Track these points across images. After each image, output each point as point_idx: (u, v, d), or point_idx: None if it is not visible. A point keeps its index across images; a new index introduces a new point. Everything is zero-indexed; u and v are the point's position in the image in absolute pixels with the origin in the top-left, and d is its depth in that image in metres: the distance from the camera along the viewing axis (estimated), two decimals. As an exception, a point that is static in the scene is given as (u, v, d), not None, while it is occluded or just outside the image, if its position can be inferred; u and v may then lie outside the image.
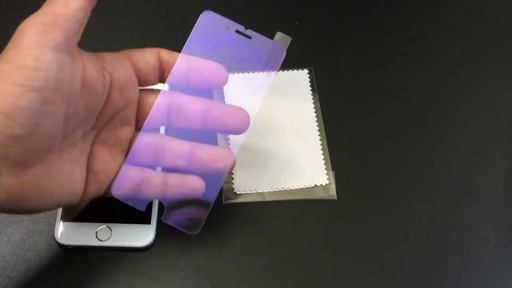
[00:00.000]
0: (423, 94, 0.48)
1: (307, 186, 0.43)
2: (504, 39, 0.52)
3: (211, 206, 0.36)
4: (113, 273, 0.39)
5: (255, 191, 0.43)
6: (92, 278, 0.39)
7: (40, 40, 0.28)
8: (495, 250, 0.41)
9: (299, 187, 0.43)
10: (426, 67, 0.50)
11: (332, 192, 0.43)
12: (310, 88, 0.47)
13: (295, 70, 0.48)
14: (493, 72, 0.50)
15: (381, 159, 0.45)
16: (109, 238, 0.39)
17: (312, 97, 0.47)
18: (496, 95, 0.49)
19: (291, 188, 0.43)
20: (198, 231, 0.35)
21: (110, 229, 0.39)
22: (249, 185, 0.43)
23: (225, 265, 0.40)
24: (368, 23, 0.52)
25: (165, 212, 0.35)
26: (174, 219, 0.35)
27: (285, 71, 0.48)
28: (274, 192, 0.43)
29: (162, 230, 0.39)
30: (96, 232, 0.39)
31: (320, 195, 0.43)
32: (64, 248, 0.39)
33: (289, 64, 0.48)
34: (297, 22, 0.52)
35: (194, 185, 0.35)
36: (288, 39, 0.39)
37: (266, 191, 0.43)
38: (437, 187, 0.44)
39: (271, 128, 0.45)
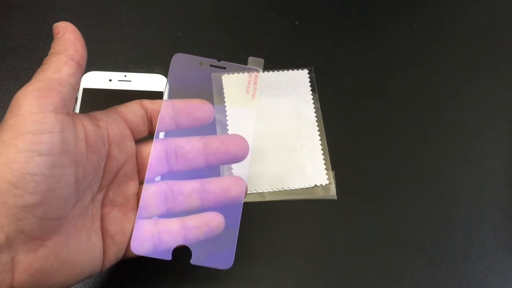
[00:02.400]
0: (423, 94, 0.48)
1: (307, 186, 0.43)
2: (505, 38, 0.52)
3: (237, 236, 0.35)
4: (113, 274, 0.39)
5: (255, 191, 0.43)
6: (92, 279, 0.39)
7: (39, 104, 0.27)
8: (495, 250, 0.41)
9: (299, 187, 0.43)
10: (426, 67, 0.50)
11: (332, 192, 0.43)
12: (310, 88, 0.47)
13: (295, 70, 0.48)
14: (493, 72, 0.50)
15: (381, 159, 0.45)
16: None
17: (312, 97, 0.47)
18: (496, 95, 0.49)
19: (291, 188, 0.43)
20: (231, 264, 0.34)
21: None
22: (249, 185, 0.43)
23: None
24: (368, 23, 0.52)
25: (192, 255, 0.34)
26: (204, 259, 0.34)
27: (285, 71, 0.48)
28: (274, 192, 0.43)
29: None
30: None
31: (320, 195, 0.43)
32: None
33: (289, 64, 0.48)
34: (297, 22, 0.52)
35: (214, 221, 0.34)
36: (261, 62, 0.40)
37: (266, 191, 0.43)
38: (437, 187, 0.44)
39: (271, 128, 0.45)
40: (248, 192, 0.42)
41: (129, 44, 0.49)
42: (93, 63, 0.46)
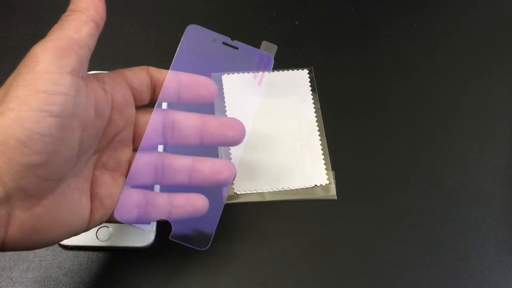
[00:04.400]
0: (423, 94, 0.48)
1: (307, 186, 0.43)
2: (504, 39, 0.52)
3: (218, 221, 0.35)
4: (113, 273, 0.39)
5: (255, 191, 0.43)
6: (92, 278, 0.39)
7: (57, 64, 0.27)
8: (495, 250, 0.41)
9: (299, 187, 0.43)
10: (426, 67, 0.50)
11: (332, 192, 0.43)
12: (310, 88, 0.47)
13: (295, 70, 0.48)
14: (493, 72, 0.50)
15: (381, 159, 0.45)
16: (109, 238, 0.39)
17: (312, 97, 0.47)
18: (496, 95, 0.49)
19: (291, 188, 0.43)
20: (208, 247, 0.35)
21: (110, 229, 0.39)
22: (249, 185, 0.43)
23: (225, 265, 0.40)
24: (368, 23, 0.52)
25: (172, 230, 0.35)
26: (183, 236, 0.35)
27: (285, 71, 0.48)
28: (274, 192, 0.43)
29: (162, 230, 0.39)
30: (96, 232, 0.39)
31: (320, 195, 0.43)
32: (64, 248, 0.40)
33: (289, 64, 0.48)
34: (297, 22, 0.52)
35: (198, 203, 0.34)
36: (274, 47, 0.39)
37: (266, 191, 0.43)
38: (437, 187, 0.44)
39: (271, 128, 0.45)
40: (248, 192, 0.42)
41: (129, 44, 0.49)
42: (93, 63, 0.46)
